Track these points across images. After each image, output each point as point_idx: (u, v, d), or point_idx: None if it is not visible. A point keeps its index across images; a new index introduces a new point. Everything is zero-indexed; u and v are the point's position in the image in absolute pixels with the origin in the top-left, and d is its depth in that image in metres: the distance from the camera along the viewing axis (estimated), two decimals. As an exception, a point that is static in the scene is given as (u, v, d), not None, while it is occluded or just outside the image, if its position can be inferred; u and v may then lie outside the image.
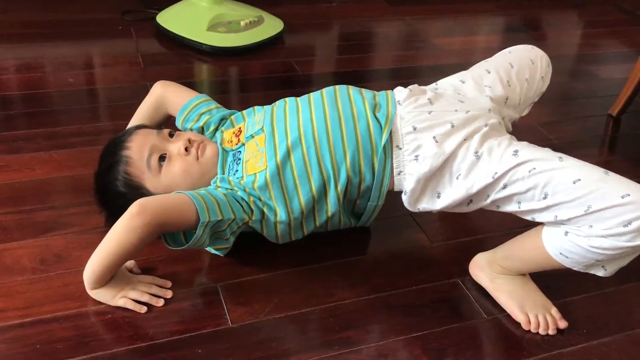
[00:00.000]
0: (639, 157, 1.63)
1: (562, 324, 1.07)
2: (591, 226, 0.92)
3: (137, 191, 1.10)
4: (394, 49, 2.22)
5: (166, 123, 1.32)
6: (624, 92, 1.78)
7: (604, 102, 1.87)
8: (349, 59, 2.07)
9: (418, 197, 1.08)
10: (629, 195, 0.89)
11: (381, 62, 2.10)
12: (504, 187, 1.00)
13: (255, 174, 1.09)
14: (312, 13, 2.38)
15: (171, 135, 1.16)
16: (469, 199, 1.05)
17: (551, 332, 1.06)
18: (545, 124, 1.73)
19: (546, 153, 1.00)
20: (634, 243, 0.90)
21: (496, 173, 1.00)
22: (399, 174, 1.08)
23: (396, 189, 1.10)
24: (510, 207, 1.02)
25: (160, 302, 1.06)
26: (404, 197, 1.09)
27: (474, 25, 2.46)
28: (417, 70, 2.01)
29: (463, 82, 1.21)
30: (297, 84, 1.87)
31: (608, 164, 1.59)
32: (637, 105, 1.83)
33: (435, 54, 2.16)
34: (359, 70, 1.99)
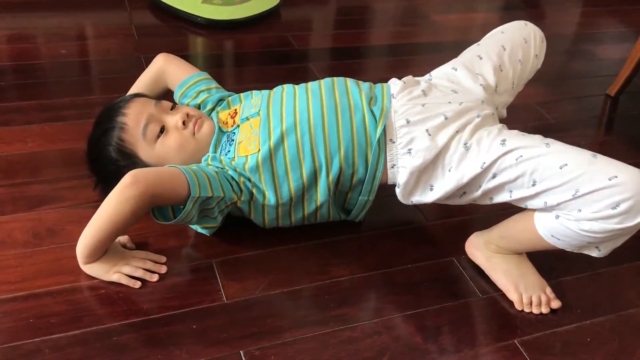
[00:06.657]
0: (636, 138, 1.62)
1: (556, 304, 1.08)
2: (580, 210, 0.92)
3: (129, 159, 1.10)
4: (392, 24, 2.19)
5: (165, 96, 1.30)
6: (623, 72, 1.77)
7: (602, 81, 1.86)
8: (345, 34, 2.04)
9: (411, 190, 1.08)
10: (616, 177, 0.89)
11: (378, 38, 2.07)
12: (494, 176, 1.00)
13: (247, 156, 1.08)
14: (309, -13, 2.35)
15: (172, 108, 1.15)
16: (462, 191, 1.05)
17: (544, 311, 1.07)
18: (543, 103, 1.72)
19: (534, 140, 1.00)
20: (623, 225, 0.90)
21: (484, 163, 1.00)
22: (392, 167, 1.08)
23: (389, 182, 1.10)
24: (503, 197, 1.02)
25: (155, 278, 1.05)
26: (397, 190, 1.09)
27: (473, 2, 2.43)
28: (415, 47, 1.98)
29: (456, 70, 1.19)
30: (292, 58, 1.85)
31: (605, 144, 1.60)
32: (635, 85, 1.83)
33: (434, 30, 2.13)
34: (355, 46, 1.97)
